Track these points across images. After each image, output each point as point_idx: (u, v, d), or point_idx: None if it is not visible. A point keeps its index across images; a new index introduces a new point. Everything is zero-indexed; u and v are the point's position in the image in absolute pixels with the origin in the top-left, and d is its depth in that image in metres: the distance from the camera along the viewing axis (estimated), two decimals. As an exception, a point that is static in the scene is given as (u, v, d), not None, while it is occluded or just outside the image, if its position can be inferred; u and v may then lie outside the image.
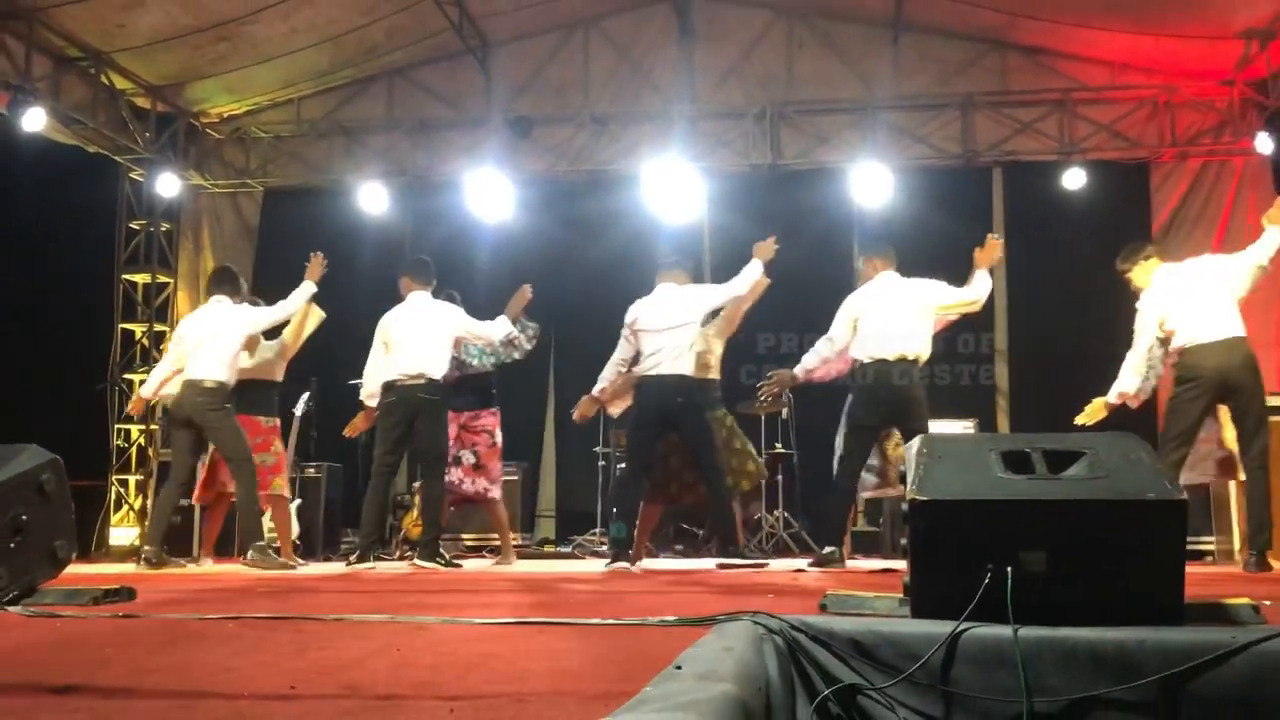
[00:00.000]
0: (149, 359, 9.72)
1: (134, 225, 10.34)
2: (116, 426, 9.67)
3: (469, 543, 8.74)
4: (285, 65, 9.67)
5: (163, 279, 10.36)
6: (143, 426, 9.86)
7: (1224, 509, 6.69)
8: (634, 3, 10.15)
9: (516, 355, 6.99)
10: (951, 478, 2.12)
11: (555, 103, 10.28)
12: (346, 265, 9.44)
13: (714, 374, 6.42)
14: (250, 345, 6.84)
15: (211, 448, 6.55)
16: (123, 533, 9.59)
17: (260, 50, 9.31)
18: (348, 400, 7.00)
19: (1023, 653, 1.79)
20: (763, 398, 6.39)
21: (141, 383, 6.62)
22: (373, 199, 9.94)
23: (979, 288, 5.95)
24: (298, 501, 8.22)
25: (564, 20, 10.13)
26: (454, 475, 6.61)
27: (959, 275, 9.60)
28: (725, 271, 9.71)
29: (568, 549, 8.87)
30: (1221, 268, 5.74)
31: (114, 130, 9.47)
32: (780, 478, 8.52)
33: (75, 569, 3.48)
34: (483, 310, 8.45)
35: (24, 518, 2.82)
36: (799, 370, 6.07)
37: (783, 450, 8.65)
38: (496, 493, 6.91)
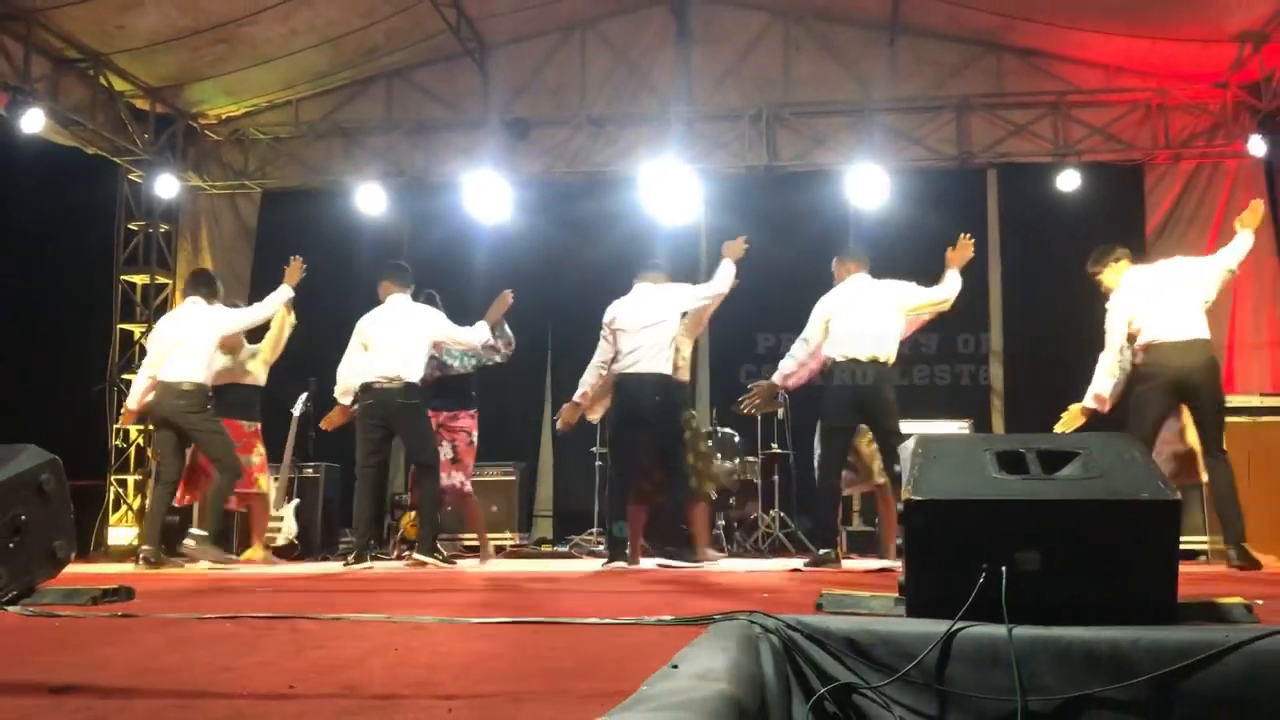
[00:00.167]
0: (148, 360, 9.75)
1: (133, 226, 10.38)
2: (115, 427, 9.68)
3: (467, 542, 8.76)
4: (284, 67, 9.69)
5: (161, 280, 10.39)
6: (141, 427, 9.88)
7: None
8: (631, 5, 10.19)
9: (497, 358, 7.03)
10: (947, 478, 2.13)
11: (553, 104, 10.31)
12: (344, 266, 9.50)
13: (685, 375, 6.44)
14: (232, 347, 6.88)
15: (190, 449, 6.60)
16: (121, 533, 9.61)
17: (259, 52, 9.34)
18: (346, 401, 7.04)
19: (1017, 652, 1.80)
20: (746, 409, 6.44)
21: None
22: (371, 200, 9.96)
23: (948, 287, 6.00)
24: (296, 501, 8.28)
25: (561, 22, 10.16)
26: None
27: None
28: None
29: (565, 548, 8.90)
30: (1191, 270, 5.79)
31: (113, 132, 9.50)
32: (776, 478, 8.56)
33: (74, 569, 3.46)
34: (481, 311, 8.50)
35: (23, 518, 2.82)
36: (777, 378, 6.11)
37: (778, 450, 8.68)
38: (469, 489, 7.00)
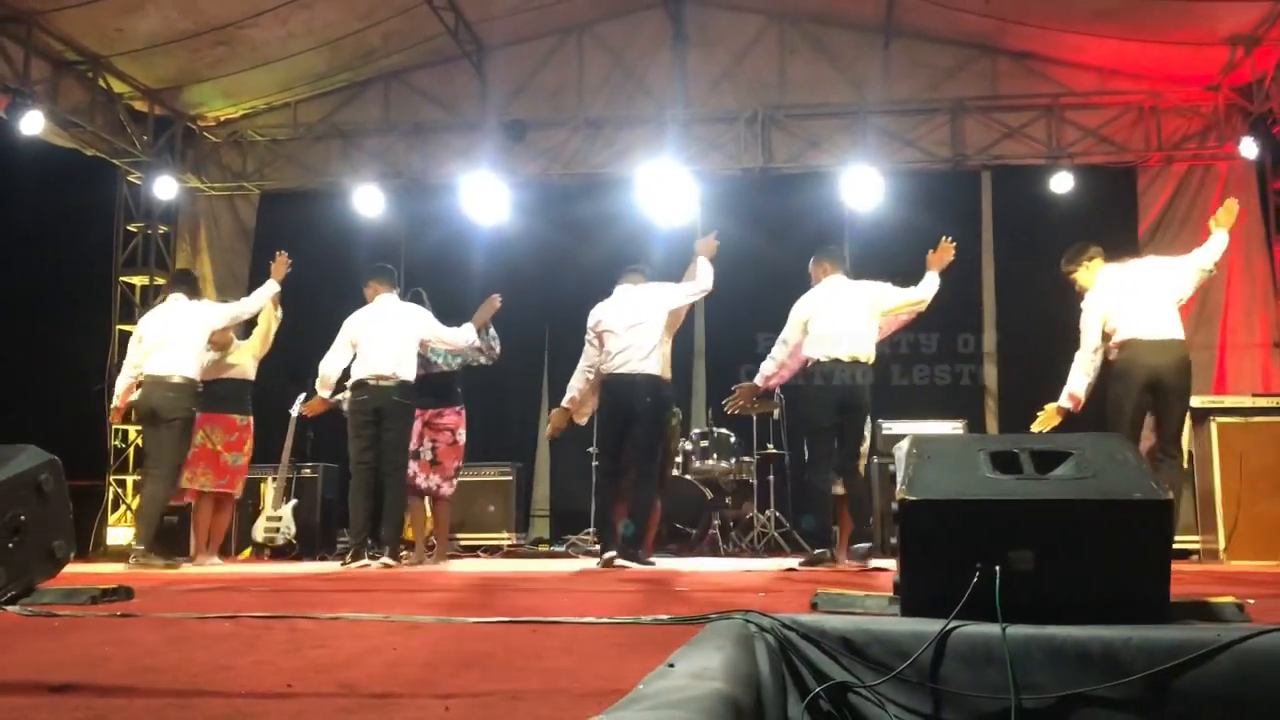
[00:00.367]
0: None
1: (131, 228, 10.42)
2: (114, 427, 9.73)
3: (465, 542, 8.82)
4: (282, 69, 9.74)
5: (160, 281, 10.38)
6: (140, 427, 9.92)
7: (1209, 509, 6.75)
8: (628, 8, 10.24)
9: (483, 360, 7.05)
10: (941, 478, 2.13)
11: (550, 106, 10.36)
12: (342, 267, 9.51)
13: (666, 374, 6.45)
14: (223, 343, 6.91)
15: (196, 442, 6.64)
16: (120, 533, 9.63)
17: (257, 54, 9.39)
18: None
19: (1011, 651, 1.81)
20: (731, 411, 6.49)
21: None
22: (368, 202, 10.00)
23: (925, 289, 6.03)
24: (294, 502, 8.32)
25: (558, 25, 10.21)
26: (410, 469, 6.65)
27: (947, 277, 9.75)
28: (719, 273, 9.83)
29: (561, 548, 8.95)
30: (1165, 269, 5.80)
31: (112, 133, 9.54)
32: (771, 477, 8.60)
33: (73, 569, 3.44)
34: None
35: (22, 518, 2.81)
36: (759, 379, 6.17)
37: (774, 450, 8.73)
38: (448, 490, 6.96)
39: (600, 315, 6.21)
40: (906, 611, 2.09)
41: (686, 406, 9.81)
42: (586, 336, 6.28)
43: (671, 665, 1.51)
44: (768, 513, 8.51)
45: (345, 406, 6.67)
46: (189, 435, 6.51)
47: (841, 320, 5.90)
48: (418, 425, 6.72)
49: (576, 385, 6.34)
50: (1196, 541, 7.07)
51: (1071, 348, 5.78)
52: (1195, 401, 6.83)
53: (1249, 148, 8.85)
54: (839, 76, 10.06)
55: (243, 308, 6.88)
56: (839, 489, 6.66)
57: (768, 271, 8.59)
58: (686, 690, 1.35)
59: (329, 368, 6.47)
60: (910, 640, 1.87)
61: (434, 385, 6.79)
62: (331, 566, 6.45)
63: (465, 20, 9.71)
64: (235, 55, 9.34)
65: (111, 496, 9.85)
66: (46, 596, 2.92)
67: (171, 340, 6.42)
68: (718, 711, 1.32)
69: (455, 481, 7.04)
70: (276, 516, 8.22)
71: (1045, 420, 5.76)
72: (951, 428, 8.32)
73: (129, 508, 9.90)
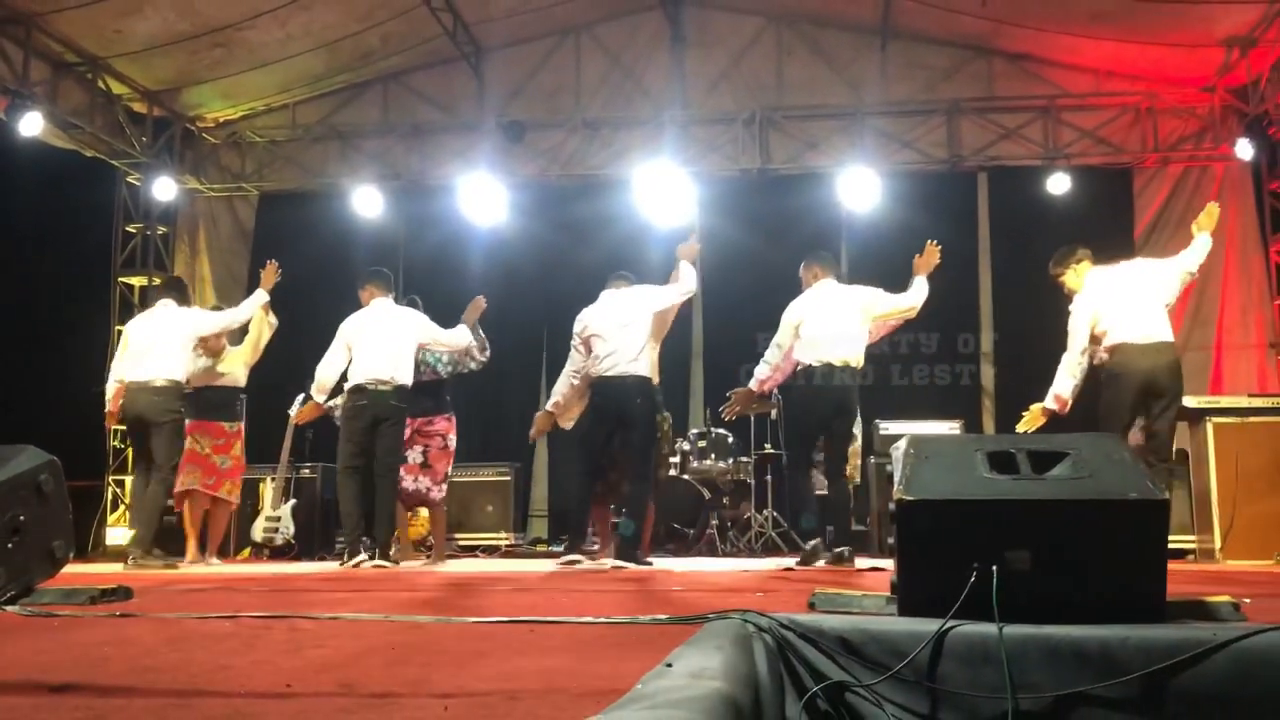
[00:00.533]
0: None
1: (130, 229, 10.45)
2: (113, 428, 9.74)
3: (463, 542, 8.84)
4: (281, 71, 9.77)
5: (159, 282, 10.44)
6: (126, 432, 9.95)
7: (1205, 508, 6.79)
8: (626, 9, 10.27)
9: (472, 365, 7.08)
10: (938, 478, 2.13)
11: (548, 108, 10.39)
12: (341, 268, 9.54)
13: (655, 377, 6.46)
14: (215, 350, 6.92)
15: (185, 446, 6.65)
16: (119, 533, 9.65)
17: (256, 56, 9.41)
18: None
19: (1008, 650, 1.81)
20: (728, 417, 6.52)
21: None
22: (367, 203, 10.03)
23: (915, 294, 6.07)
24: (293, 502, 8.34)
25: (556, 26, 10.24)
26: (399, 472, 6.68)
27: (944, 278, 9.75)
28: (716, 274, 9.90)
29: (559, 549, 8.94)
30: (1152, 272, 5.82)
31: (111, 135, 9.56)
32: (769, 478, 8.63)
33: (72, 569, 3.44)
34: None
35: (22, 518, 2.81)
36: (753, 384, 6.21)
37: (771, 451, 8.76)
38: (437, 494, 6.98)
39: (587, 320, 6.22)
40: (904, 611, 2.10)
41: (684, 407, 9.85)
42: (572, 342, 6.30)
43: (670, 665, 1.51)
44: (765, 513, 8.54)
45: (336, 414, 6.68)
46: (181, 436, 6.53)
47: (832, 324, 5.93)
48: (407, 431, 6.72)
49: (561, 389, 6.36)
50: (1192, 541, 7.08)
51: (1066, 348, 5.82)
52: (1191, 402, 6.86)
53: (1244, 149, 8.90)
54: (836, 78, 10.09)
55: (232, 317, 6.90)
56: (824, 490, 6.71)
57: (765, 272, 8.61)
58: (685, 690, 1.35)
59: (326, 372, 6.46)
60: (907, 640, 1.87)
61: (425, 392, 6.80)
62: (330, 566, 6.47)
63: (463, 22, 9.74)
64: (234, 57, 9.36)
65: (110, 497, 9.87)
66: (46, 596, 2.92)
67: (158, 346, 6.44)
68: (716, 711, 1.32)
69: (445, 486, 7.06)
70: (275, 517, 8.24)
71: (1030, 421, 5.76)
72: (948, 428, 8.34)
73: (128, 508, 9.91)
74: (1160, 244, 9.17)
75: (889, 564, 4.93)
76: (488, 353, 7.09)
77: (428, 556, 7.46)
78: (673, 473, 8.27)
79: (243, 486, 8.64)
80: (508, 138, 10.02)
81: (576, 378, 6.27)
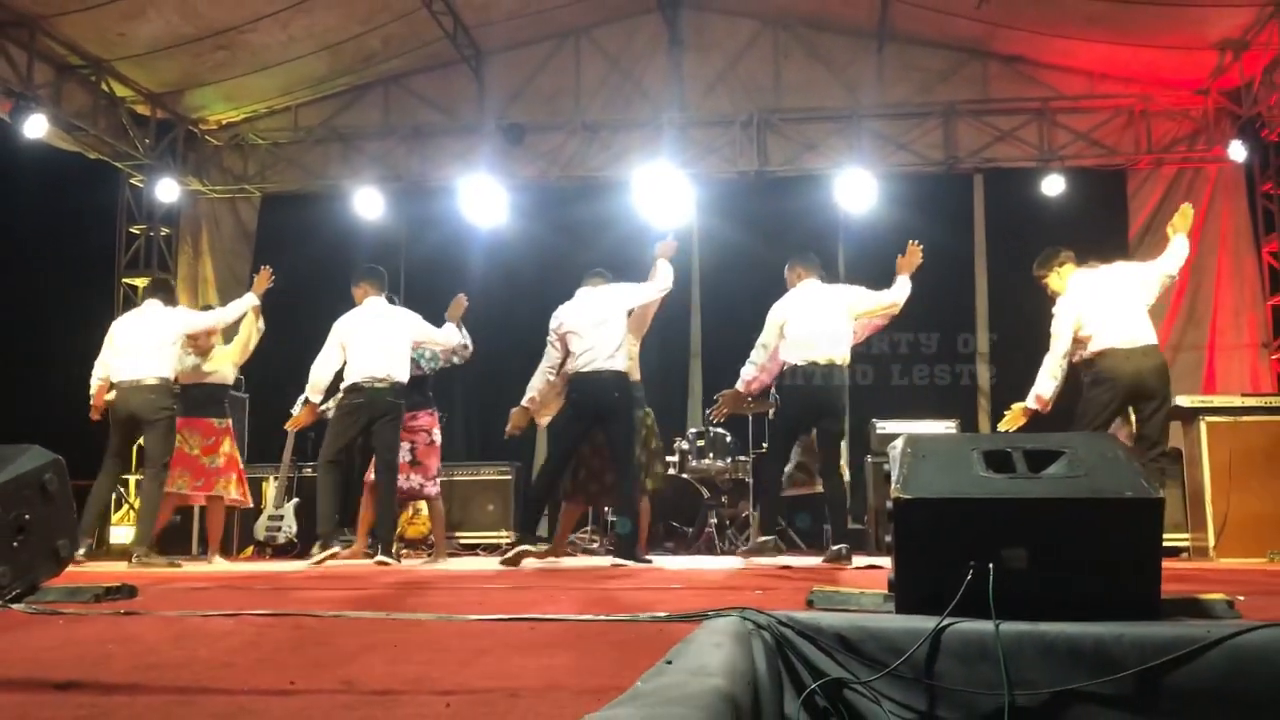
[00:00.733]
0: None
1: (134, 230, 10.51)
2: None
3: (464, 541, 8.91)
4: (283, 73, 9.83)
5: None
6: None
7: (1199, 507, 6.83)
8: (624, 13, 10.33)
9: (456, 360, 7.16)
10: (935, 477, 2.14)
11: (547, 110, 10.46)
12: (343, 269, 9.55)
13: (634, 374, 6.52)
14: (205, 349, 6.98)
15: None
16: (123, 532, 9.70)
17: (258, 58, 9.47)
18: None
19: (1004, 647, 1.81)
20: (716, 419, 6.58)
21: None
22: (368, 204, 10.09)
23: (898, 292, 6.14)
24: (295, 500, 8.42)
25: (556, 30, 10.30)
26: None
27: (940, 279, 9.83)
28: (715, 275, 9.99)
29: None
30: (1134, 275, 5.82)
31: (114, 137, 9.63)
32: (767, 477, 8.69)
33: (76, 567, 3.53)
34: (477, 313, 8.62)
35: (27, 517, 2.80)
36: (740, 385, 6.25)
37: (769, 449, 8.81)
38: (432, 489, 7.04)
39: (562, 317, 6.28)
40: (901, 609, 2.11)
41: (683, 407, 9.93)
42: (549, 338, 6.34)
43: (669, 662, 1.52)
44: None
45: (330, 416, 6.73)
46: (173, 432, 6.56)
47: (816, 323, 5.98)
48: None
49: (537, 385, 6.40)
50: (1186, 539, 7.12)
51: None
52: (1185, 401, 6.94)
53: (1237, 151, 8.95)
54: (833, 80, 10.16)
55: (220, 317, 6.95)
56: (806, 490, 6.77)
57: (763, 273, 8.62)
58: (684, 687, 1.36)
59: (321, 372, 6.49)
60: (905, 637, 1.88)
61: (409, 388, 6.80)
62: (332, 565, 6.50)
63: (463, 25, 9.80)
64: (236, 59, 9.42)
65: (114, 496, 9.90)
66: (50, 595, 2.92)
67: (143, 345, 6.47)
68: (716, 708, 1.32)
69: (438, 481, 7.12)
70: (278, 515, 8.32)
71: (1011, 420, 5.77)
72: (945, 427, 8.41)
73: (131, 507, 9.97)
74: (1154, 245, 9.19)
75: (886, 562, 5.00)
76: (469, 349, 7.15)
77: (428, 554, 7.53)
78: (672, 471, 8.35)
79: (233, 486, 8.74)
80: (508, 140, 10.08)
81: (553, 374, 6.31)
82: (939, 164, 10.04)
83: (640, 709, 1.24)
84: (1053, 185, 9.49)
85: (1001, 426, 5.83)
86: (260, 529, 8.35)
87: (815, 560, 6.37)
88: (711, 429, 8.61)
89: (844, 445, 9.00)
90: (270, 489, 8.45)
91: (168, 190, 10.00)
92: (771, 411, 8.63)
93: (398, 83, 10.64)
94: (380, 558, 6.18)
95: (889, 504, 2.15)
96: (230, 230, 10.94)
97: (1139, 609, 1.99)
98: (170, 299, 6.96)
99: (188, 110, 10.34)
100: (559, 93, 10.49)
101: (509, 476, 9.19)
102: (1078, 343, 5.74)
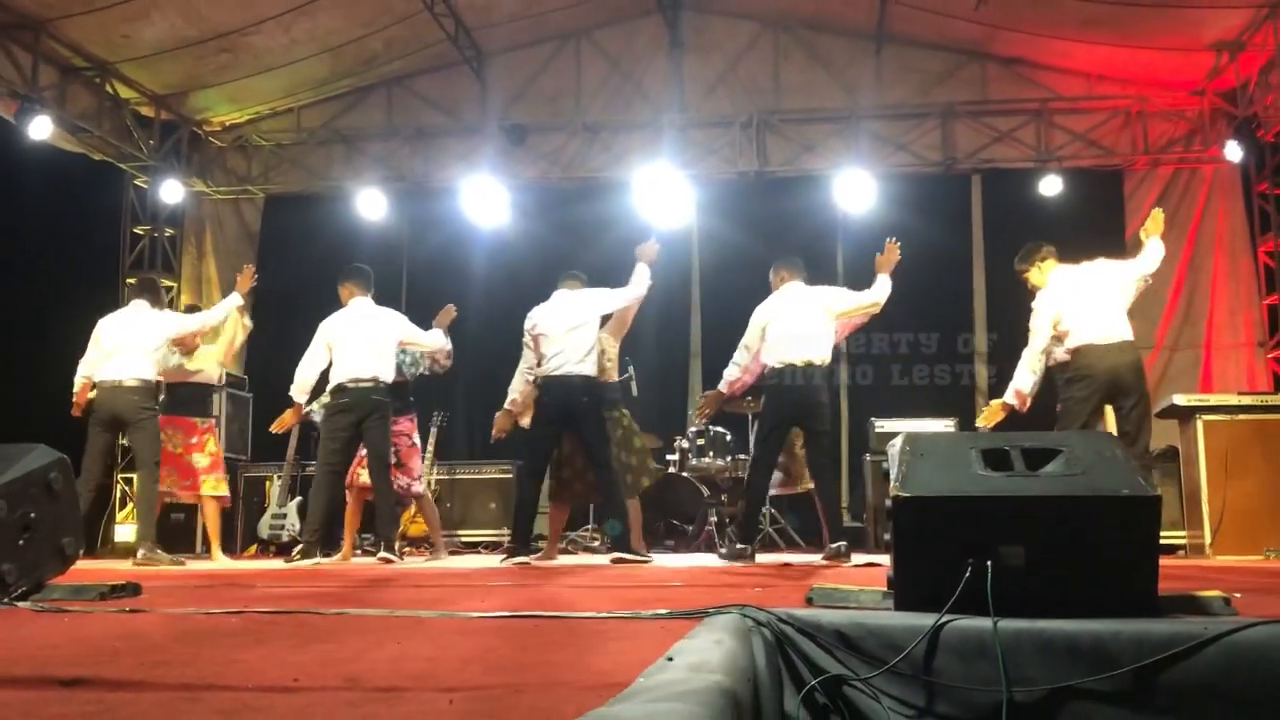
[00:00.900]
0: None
1: (138, 231, 10.57)
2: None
3: (466, 539, 8.97)
4: (286, 75, 9.88)
5: (167, 283, 10.53)
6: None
7: (1195, 504, 6.88)
8: (625, 15, 10.38)
9: (437, 369, 7.21)
10: (933, 475, 2.16)
11: (549, 111, 10.51)
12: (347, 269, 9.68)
13: (611, 376, 6.59)
14: (190, 347, 7.02)
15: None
16: (128, 530, 9.74)
17: (261, 60, 9.52)
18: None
19: (1002, 644, 1.84)
20: (700, 419, 6.64)
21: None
22: (371, 205, 10.15)
23: (878, 291, 6.18)
24: (298, 499, 8.48)
25: (557, 31, 10.36)
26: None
27: (938, 279, 9.89)
28: (715, 275, 10.04)
29: (561, 545, 9.06)
30: (1113, 273, 5.86)
31: (119, 138, 9.68)
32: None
33: (82, 565, 3.48)
34: (479, 313, 8.69)
35: (32, 515, 2.83)
36: (723, 386, 6.33)
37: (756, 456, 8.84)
38: (419, 487, 7.15)
39: (536, 319, 6.33)
40: (900, 606, 2.12)
41: (683, 406, 9.99)
42: (524, 340, 6.39)
43: (671, 659, 1.53)
44: (763, 509, 8.64)
45: (316, 418, 6.78)
46: (159, 431, 6.62)
47: (796, 325, 6.03)
48: None
49: (518, 387, 6.46)
50: (1183, 537, 7.18)
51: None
52: (1181, 399, 7.00)
53: (1234, 151, 8.99)
54: (832, 82, 10.21)
55: (204, 319, 7.01)
56: (790, 490, 6.81)
57: (763, 273, 8.61)
58: (686, 683, 1.37)
59: (305, 371, 6.53)
60: (904, 634, 1.91)
61: (392, 394, 6.88)
62: (330, 563, 6.54)
63: (465, 27, 9.85)
64: (239, 61, 9.46)
65: (119, 494, 9.98)
66: (56, 593, 2.95)
67: (128, 347, 6.49)
68: (717, 704, 1.33)
69: (423, 480, 7.23)
70: (281, 513, 8.38)
71: (989, 416, 5.83)
72: (943, 426, 8.47)
73: (134, 504, 10.02)
74: (1151, 245, 9.30)
75: (885, 560, 5.04)
76: (450, 360, 7.21)
77: (429, 553, 7.60)
78: (672, 470, 8.41)
79: (247, 484, 8.81)
80: (509, 141, 10.13)
81: (531, 374, 6.35)
82: (937, 165, 10.09)
83: (642, 705, 1.24)
84: (1050, 186, 9.54)
85: (979, 422, 5.89)
86: (264, 527, 8.42)
87: (813, 558, 6.44)
88: (711, 428, 8.66)
89: (844, 444, 9.08)
90: (274, 487, 8.51)
91: (172, 191, 10.05)
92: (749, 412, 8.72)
93: (400, 84, 10.69)
94: (383, 554, 6.24)
95: (888, 502, 2.18)
96: (234, 231, 10.99)
97: (1136, 606, 2.01)
98: (156, 299, 6.98)
99: (192, 112, 10.40)
100: (560, 94, 10.54)
101: (510, 475, 9.23)
102: (1056, 338, 5.79)
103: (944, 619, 1.90)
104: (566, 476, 6.37)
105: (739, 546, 5.92)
